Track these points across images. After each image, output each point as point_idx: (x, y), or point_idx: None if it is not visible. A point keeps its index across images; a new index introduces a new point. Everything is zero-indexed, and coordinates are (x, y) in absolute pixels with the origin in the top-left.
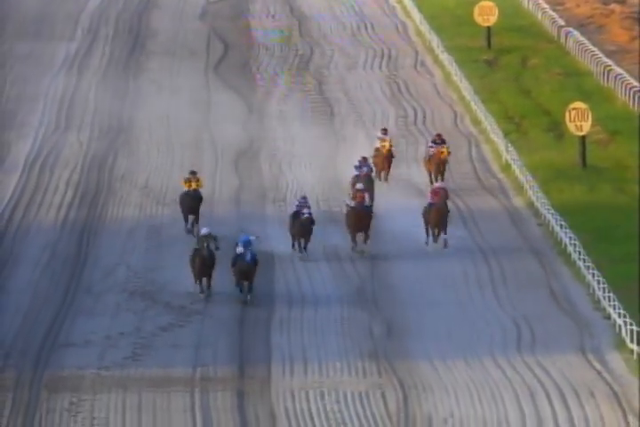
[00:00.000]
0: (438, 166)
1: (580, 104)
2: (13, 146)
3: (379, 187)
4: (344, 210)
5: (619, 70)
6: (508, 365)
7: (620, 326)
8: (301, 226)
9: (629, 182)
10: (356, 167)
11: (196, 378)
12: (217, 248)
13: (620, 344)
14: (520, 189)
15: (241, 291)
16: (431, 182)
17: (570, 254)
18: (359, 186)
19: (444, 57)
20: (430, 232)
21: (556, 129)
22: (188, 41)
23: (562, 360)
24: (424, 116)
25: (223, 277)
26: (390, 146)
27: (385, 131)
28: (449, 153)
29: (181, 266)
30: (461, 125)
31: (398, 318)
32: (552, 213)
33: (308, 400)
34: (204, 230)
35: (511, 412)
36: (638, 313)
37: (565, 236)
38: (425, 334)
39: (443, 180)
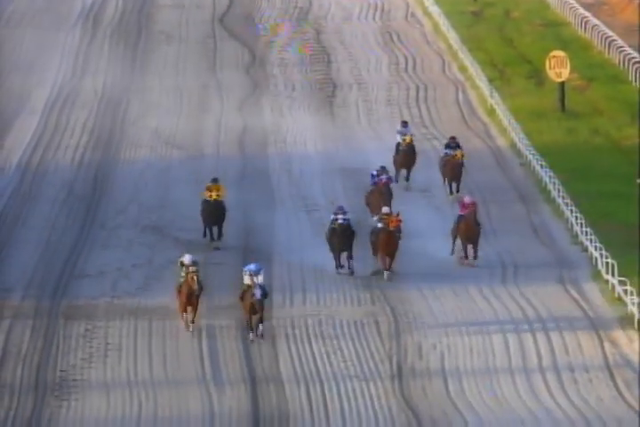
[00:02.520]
0: (453, 172)
1: (559, 53)
2: (33, 92)
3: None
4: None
5: (595, 21)
6: (492, 295)
7: (596, 258)
8: (341, 235)
9: (604, 125)
10: (373, 176)
11: (203, 306)
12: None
13: (596, 276)
14: (503, 131)
15: (250, 329)
16: (451, 193)
17: (550, 192)
18: (385, 210)
19: (433, 9)
20: (461, 246)
21: (537, 76)
22: None
23: (542, 291)
24: (414, 64)
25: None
26: (411, 139)
27: (405, 123)
28: (462, 156)
29: (189, 203)
30: (449, 72)
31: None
32: (533, 154)
33: (306, 327)
34: (187, 258)
35: (495, 339)
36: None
37: (545, 175)
38: (415, 265)
39: (458, 188)
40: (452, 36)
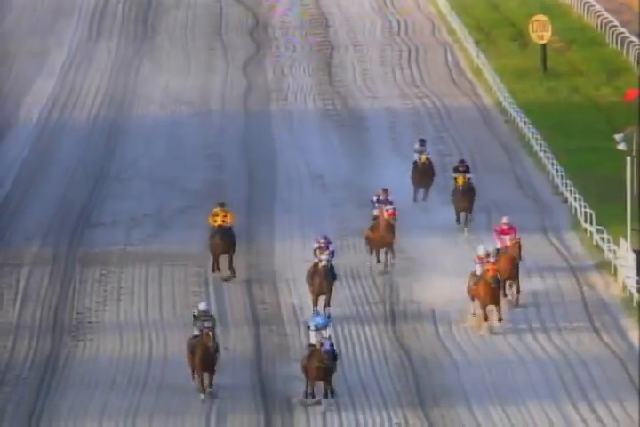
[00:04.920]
0: (464, 198)
1: (541, 17)
2: (51, 54)
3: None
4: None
5: None
6: (478, 242)
7: (575, 208)
8: (321, 279)
9: (583, 84)
10: (373, 202)
11: (209, 253)
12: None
13: (575, 224)
14: (489, 90)
15: (307, 396)
16: (457, 221)
17: (532, 146)
18: (482, 252)
19: None
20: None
21: (521, 38)
22: None
23: (526, 238)
24: (406, 27)
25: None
26: (427, 159)
27: (423, 142)
28: (466, 179)
29: (197, 157)
30: (438, 35)
31: None
32: (517, 111)
33: (305, 270)
34: (202, 306)
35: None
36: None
37: (528, 130)
38: (410, 217)
39: (469, 215)
40: (442, 2)
